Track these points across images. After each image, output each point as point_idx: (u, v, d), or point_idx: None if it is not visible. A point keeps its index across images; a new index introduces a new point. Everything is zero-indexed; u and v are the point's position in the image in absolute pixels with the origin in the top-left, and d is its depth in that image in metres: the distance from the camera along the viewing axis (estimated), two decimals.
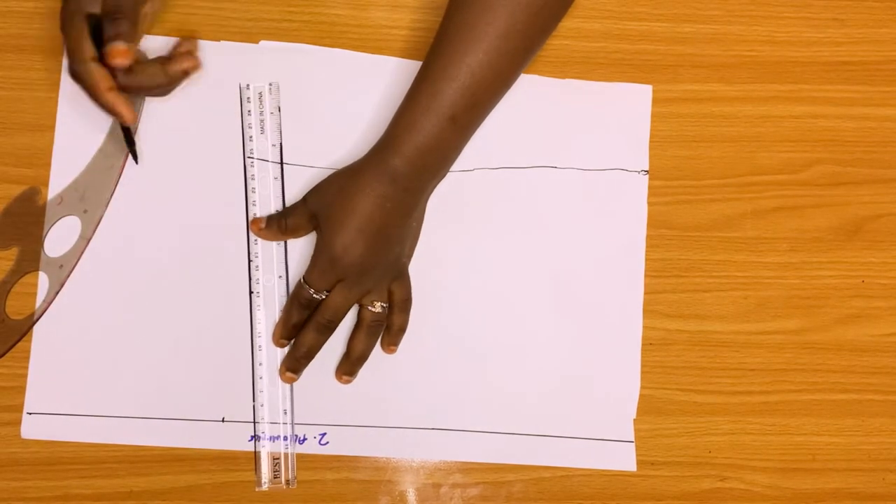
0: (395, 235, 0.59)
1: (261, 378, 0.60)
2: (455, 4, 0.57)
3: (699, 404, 0.62)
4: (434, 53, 0.57)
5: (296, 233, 0.61)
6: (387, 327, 0.61)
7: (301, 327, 0.60)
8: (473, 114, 0.58)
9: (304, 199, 0.60)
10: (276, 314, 0.61)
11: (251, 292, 0.61)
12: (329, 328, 0.60)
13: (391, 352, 0.61)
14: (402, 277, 0.61)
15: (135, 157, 0.61)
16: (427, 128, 0.56)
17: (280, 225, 0.60)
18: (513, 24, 0.55)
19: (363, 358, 0.61)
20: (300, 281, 0.60)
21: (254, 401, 0.60)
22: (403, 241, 0.60)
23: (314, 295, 0.59)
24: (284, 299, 0.61)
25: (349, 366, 0.61)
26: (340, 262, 0.58)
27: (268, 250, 0.61)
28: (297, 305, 0.60)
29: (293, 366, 0.60)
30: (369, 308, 0.60)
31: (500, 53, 0.56)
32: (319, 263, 0.59)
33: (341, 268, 0.58)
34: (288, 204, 0.62)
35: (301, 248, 0.62)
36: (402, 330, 0.61)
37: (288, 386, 0.61)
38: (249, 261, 0.61)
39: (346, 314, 0.60)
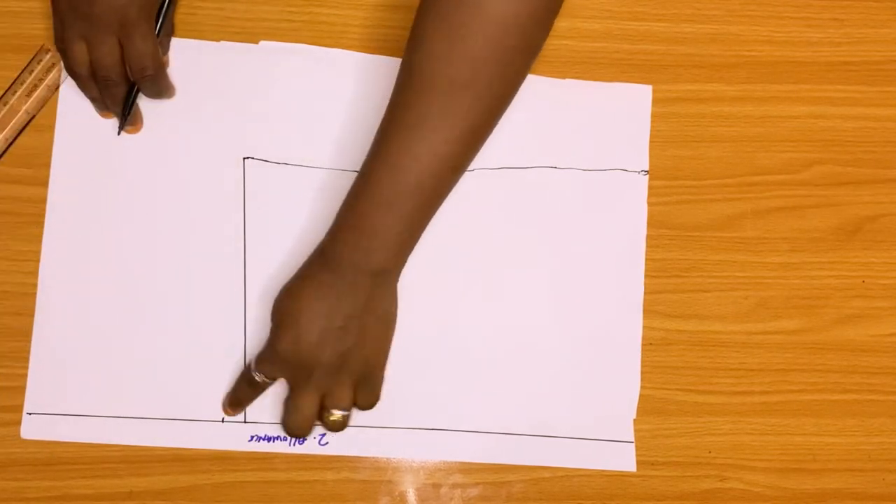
0: (345, 330, 0.56)
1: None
2: (403, 82, 0.54)
3: (699, 404, 0.62)
4: (382, 141, 0.55)
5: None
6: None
7: (245, 403, 0.59)
8: (425, 210, 0.56)
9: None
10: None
11: (246, 290, 0.61)
12: (301, 432, 0.58)
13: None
14: (372, 378, 0.59)
15: (121, 124, 0.61)
16: (375, 225, 0.54)
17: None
18: (475, 113, 0.53)
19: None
20: (249, 363, 0.58)
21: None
22: (357, 337, 0.56)
23: (261, 378, 0.58)
24: None
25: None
26: (281, 355, 0.56)
27: (263, 251, 0.61)
28: (245, 383, 0.59)
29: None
30: (326, 415, 0.58)
31: (451, 143, 0.53)
32: (264, 353, 0.57)
33: (282, 362, 0.56)
34: (285, 213, 0.62)
35: (297, 247, 0.61)
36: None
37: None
38: (245, 261, 0.61)
39: (313, 417, 0.58)
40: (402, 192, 0.54)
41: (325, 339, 0.55)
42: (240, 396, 0.59)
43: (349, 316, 0.56)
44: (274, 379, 0.58)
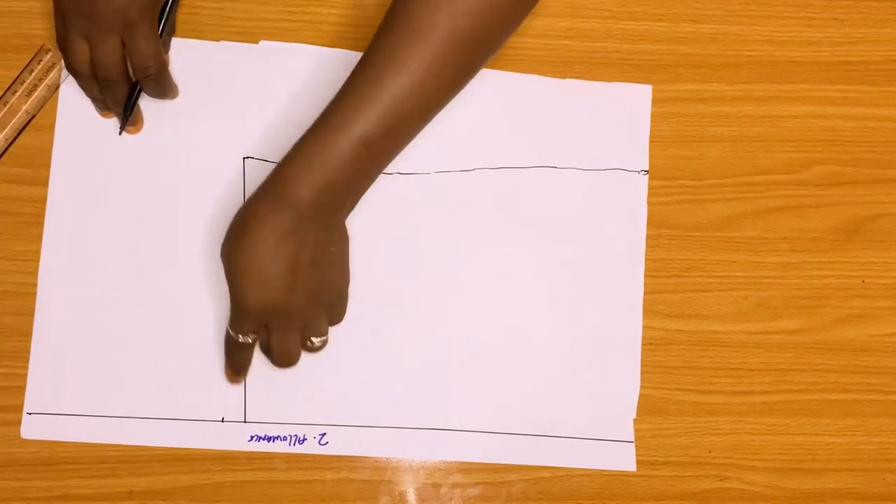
0: (313, 266, 0.55)
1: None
2: (386, 24, 0.53)
3: (699, 404, 0.62)
4: (355, 74, 0.54)
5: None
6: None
7: (246, 364, 0.59)
8: (389, 142, 0.54)
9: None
10: None
11: None
12: (290, 364, 0.58)
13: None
14: (339, 302, 0.59)
15: (122, 124, 0.61)
16: (336, 151, 0.53)
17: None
18: (444, 53, 0.52)
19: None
20: (227, 329, 0.58)
21: (245, 395, 0.60)
22: (325, 268, 0.56)
23: (244, 339, 0.57)
24: None
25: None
26: (254, 312, 0.55)
27: None
28: (234, 349, 0.58)
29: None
30: (308, 344, 0.58)
31: (427, 83, 0.53)
32: (235, 314, 0.56)
33: (257, 317, 0.55)
34: None
35: None
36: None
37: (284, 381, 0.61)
38: None
39: (299, 349, 0.58)
40: (361, 122, 0.53)
41: (294, 283, 0.54)
42: (235, 362, 0.59)
43: (314, 253, 0.55)
44: (257, 333, 0.57)
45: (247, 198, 0.56)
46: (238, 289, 0.55)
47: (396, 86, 0.53)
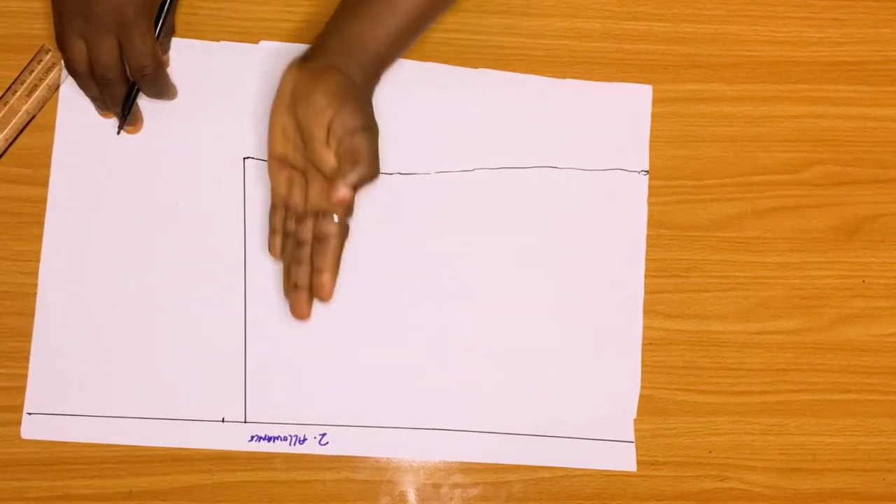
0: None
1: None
2: None
3: (699, 404, 0.62)
4: None
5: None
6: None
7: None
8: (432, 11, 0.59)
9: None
10: (273, 312, 0.61)
11: (246, 291, 0.61)
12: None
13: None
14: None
15: (121, 124, 0.61)
16: (385, 26, 0.57)
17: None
18: None
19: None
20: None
21: (245, 395, 0.60)
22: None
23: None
24: (280, 297, 0.61)
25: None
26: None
27: (263, 251, 0.61)
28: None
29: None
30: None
31: None
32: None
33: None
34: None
35: None
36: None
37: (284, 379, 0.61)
38: (245, 261, 0.61)
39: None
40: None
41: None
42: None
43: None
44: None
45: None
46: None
47: None
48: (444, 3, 0.60)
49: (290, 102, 0.57)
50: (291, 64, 0.58)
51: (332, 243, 0.56)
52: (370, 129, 0.56)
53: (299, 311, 0.58)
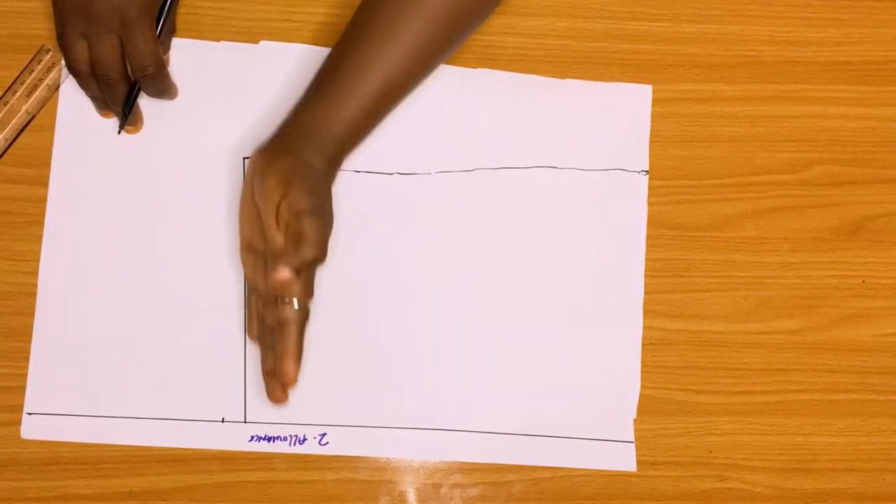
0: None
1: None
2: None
3: (699, 404, 0.62)
4: (365, 22, 0.58)
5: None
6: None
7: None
8: (407, 82, 0.59)
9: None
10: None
11: (246, 292, 0.61)
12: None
13: None
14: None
15: (122, 123, 0.61)
16: (361, 92, 0.57)
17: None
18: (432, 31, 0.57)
19: None
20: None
21: (245, 395, 0.61)
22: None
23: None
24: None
25: None
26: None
27: None
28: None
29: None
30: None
31: (443, 20, 0.57)
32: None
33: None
34: None
35: None
36: None
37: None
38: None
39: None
40: (389, 67, 0.57)
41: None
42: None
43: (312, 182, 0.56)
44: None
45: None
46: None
47: (416, 26, 0.56)
48: (405, 87, 0.59)
49: (250, 187, 0.57)
50: (256, 149, 0.58)
51: (289, 329, 0.55)
52: (317, 211, 0.55)
53: (273, 397, 0.56)
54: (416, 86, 0.60)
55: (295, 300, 0.55)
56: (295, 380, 0.55)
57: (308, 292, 0.56)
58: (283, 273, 0.54)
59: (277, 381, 0.55)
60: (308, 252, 0.54)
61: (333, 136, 0.57)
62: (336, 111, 0.57)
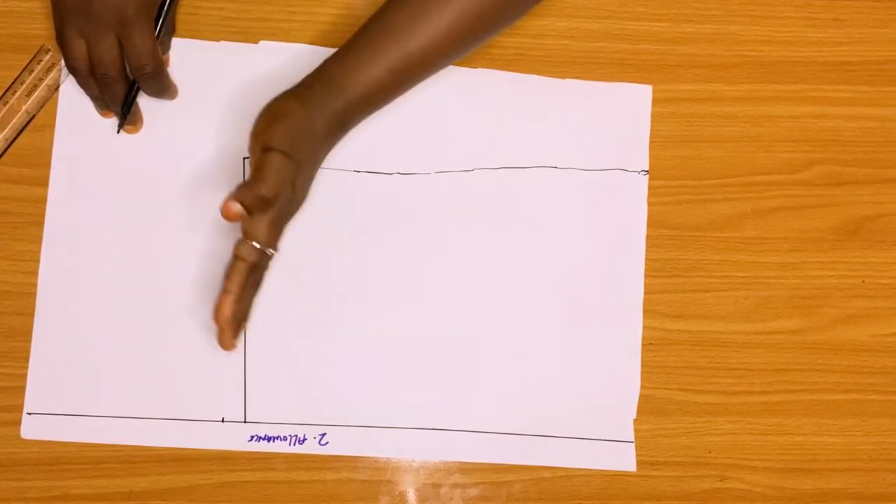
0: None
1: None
2: None
3: (699, 404, 0.62)
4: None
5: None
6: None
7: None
8: (417, 73, 0.58)
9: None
10: (273, 312, 0.61)
11: None
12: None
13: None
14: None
15: (121, 123, 0.61)
16: (387, 60, 0.56)
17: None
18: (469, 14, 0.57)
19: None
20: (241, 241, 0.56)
21: (245, 395, 0.61)
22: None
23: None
24: (280, 297, 0.61)
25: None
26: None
27: None
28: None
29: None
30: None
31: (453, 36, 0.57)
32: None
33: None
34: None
35: (297, 247, 0.62)
36: None
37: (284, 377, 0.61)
38: None
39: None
40: (423, 37, 0.56)
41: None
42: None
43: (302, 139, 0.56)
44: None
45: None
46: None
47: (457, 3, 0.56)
48: (433, 61, 0.58)
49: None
50: None
51: (238, 266, 0.55)
52: (284, 152, 0.54)
53: (219, 342, 0.56)
54: (443, 64, 0.59)
55: (254, 242, 0.55)
56: (227, 322, 0.55)
57: (268, 237, 0.55)
58: (230, 205, 0.54)
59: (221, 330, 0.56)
60: (259, 188, 0.53)
61: (347, 95, 0.57)
62: (358, 67, 0.57)
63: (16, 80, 0.62)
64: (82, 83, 0.60)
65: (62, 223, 0.61)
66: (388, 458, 0.61)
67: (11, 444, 0.60)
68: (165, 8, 0.59)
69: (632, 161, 0.64)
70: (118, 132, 0.62)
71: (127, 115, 0.61)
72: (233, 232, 0.61)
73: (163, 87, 0.60)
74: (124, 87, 0.59)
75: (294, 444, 0.60)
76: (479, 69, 0.64)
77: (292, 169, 0.55)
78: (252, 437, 0.60)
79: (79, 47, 0.57)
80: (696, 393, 0.62)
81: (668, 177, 0.64)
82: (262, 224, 0.55)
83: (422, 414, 0.61)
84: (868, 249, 0.64)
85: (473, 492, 0.61)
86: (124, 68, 0.59)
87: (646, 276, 0.63)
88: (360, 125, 0.62)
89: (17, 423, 0.60)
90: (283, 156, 0.54)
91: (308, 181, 0.57)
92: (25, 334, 0.60)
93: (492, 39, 0.64)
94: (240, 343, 0.61)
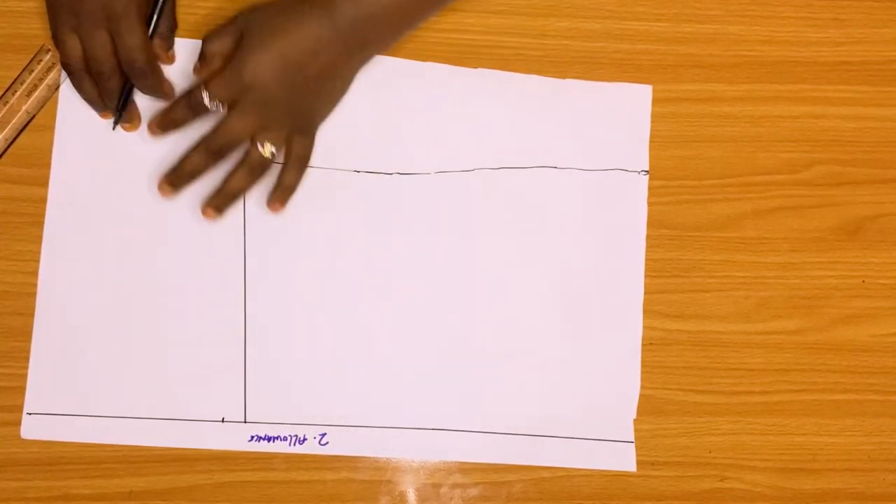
0: (314, 82, 0.57)
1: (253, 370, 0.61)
2: None
3: (699, 404, 0.62)
4: None
5: (214, 58, 0.58)
6: (277, 182, 0.60)
7: (179, 125, 0.60)
8: None
9: (235, 18, 0.58)
10: (273, 312, 0.61)
11: (246, 291, 0.61)
12: (219, 154, 0.59)
13: (276, 209, 0.60)
14: (306, 134, 0.60)
15: (116, 119, 0.61)
16: None
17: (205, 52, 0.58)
18: None
19: (235, 196, 0.60)
20: (199, 84, 0.58)
21: (245, 395, 0.61)
22: (319, 94, 0.59)
23: (206, 102, 0.57)
24: (280, 297, 0.61)
25: (220, 199, 0.60)
26: (246, 75, 0.56)
27: (263, 251, 0.61)
28: (186, 104, 0.59)
29: (175, 181, 0.59)
30: (258, 147, 0.58)
31: None
32: (225, 73, 0.57)
33: (244, 83, 0.56)
34: (285, 213, 0.61)
35: (297, 247, 0.62)
36: (292, 189, 0.60)
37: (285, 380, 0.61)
38: (245, 261, 0.61)
39: (238, 145, 0.58)
40: None
41: (289, 76, 0.56)
42: (175, 117, 0.60)
43: (319, 72, 0.56)
44: (221, 104, 0.57)
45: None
46: (248, 47, 0.56)
47: None
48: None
49: None
50: None
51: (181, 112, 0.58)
52: (263, 38, 0.56)
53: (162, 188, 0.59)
54: None
55: (220, 103, 0.57)
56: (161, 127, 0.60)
57: (222, 93, 0.57)
58: (197, 69, 0.58)
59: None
60: (226, 74, 0.57)
61: (363, 9, 0.56)
62: None
63: (16, 80, 0.62)
64: (76, 83, 0.60)
65: (62, 223, 0.61)
66: (388, 458, 0.61)
67: (11, 444, 0.60)
68: (159, 5, 0.59)
69: (632, 161, 0.64)
70: (114, 128, 0.61)
71: (122, 112, 0.61)
72: (233, 232, 0.61)
73: (156, 84, 0.60)
74: (119, 82, 0.59)
75: (294, 444, 0.60)
76: (479, 69, 0.64)
77: (260, 51, 0.56)
78: (252, 437, 0.60)
79: (73, 45, 0.58)
80: (696, 393, 0.62)
81: (667, 177, 0.64)
82: (221, 80, 0.56)
83: (422, 414, 0.61)
84: (868, 249, 0.64)
85: (473, 492, 0.61)
86: (118, 64, 0.59)
87: (646, 276, 0.63)
88: (360, 125, 0.62)
89: (17, 423, 0.60)
90: (255, 42, 0.56)
91: (281, 71, 0.57)
92: (25, 334, 0.60)
93: (492, 40, 0.64)
94: (240, 343, 0.61)
